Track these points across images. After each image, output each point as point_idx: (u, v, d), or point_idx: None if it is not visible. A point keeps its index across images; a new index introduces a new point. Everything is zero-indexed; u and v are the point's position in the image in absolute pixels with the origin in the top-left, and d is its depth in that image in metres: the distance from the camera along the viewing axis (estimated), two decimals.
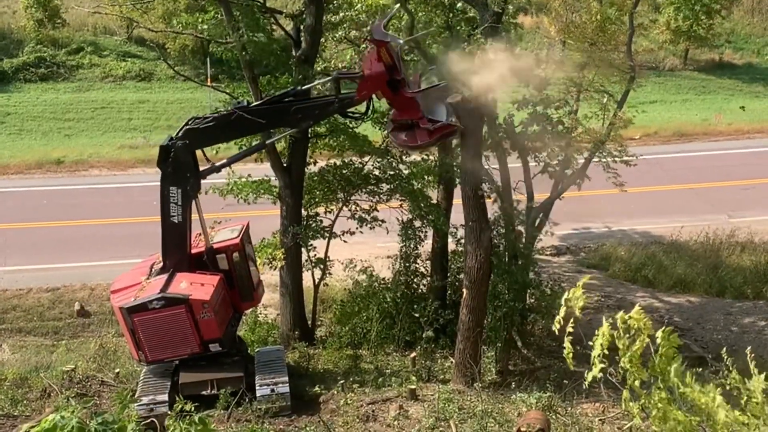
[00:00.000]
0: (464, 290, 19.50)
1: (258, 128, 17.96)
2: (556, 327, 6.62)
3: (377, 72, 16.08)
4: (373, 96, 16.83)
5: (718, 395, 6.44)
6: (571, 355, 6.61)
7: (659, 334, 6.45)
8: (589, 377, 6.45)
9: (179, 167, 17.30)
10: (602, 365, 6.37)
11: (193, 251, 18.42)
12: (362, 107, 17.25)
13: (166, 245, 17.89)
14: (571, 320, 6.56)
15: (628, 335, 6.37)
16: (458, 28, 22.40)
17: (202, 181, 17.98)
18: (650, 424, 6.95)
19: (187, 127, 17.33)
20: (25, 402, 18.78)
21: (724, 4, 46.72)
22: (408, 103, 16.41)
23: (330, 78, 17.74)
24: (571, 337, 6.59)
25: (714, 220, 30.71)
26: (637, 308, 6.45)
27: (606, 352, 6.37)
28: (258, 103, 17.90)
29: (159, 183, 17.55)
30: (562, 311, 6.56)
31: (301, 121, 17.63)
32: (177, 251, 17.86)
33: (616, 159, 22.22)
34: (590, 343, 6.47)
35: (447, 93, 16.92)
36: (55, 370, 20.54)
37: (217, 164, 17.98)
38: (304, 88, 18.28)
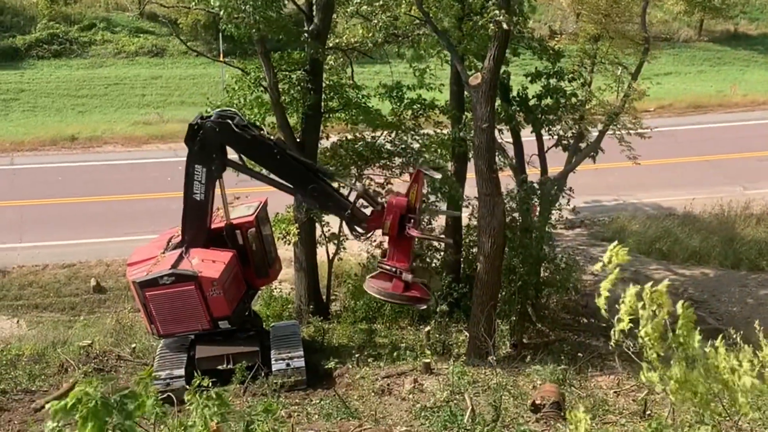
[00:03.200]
0: (478, 264, 19.52)
1: (273, 170, 18.00)
2: (598, 269, 6.63)
3: (399, 202, 17.43)
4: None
5: (746, 362, 6.47)
6: (605, 305, 6.59)
7: (678, 306, 6.46)
8: (616, 332, 6.46)
9: (206, 147, 17.34)
10: (630, 318, 6.38)
11: (212, 226, 18.52)
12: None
13: (187, 221, 17.98)
14: (610, 279, 6.56)
15: (649, 308, 6.39)
16: (470, 1, 22.27)
17: None
18: (664, 396, 6.98)
19: (227, 121, 17.28)
20: (42, 377, 18.97)
21: None
22: (403, 248, 17.66)
23: (357, 190, 18.16)
24: (608, 293, 6.58)
25: (729, 192, 30.58)
26: (666, 283, 6.46)
27: (630, 325, 6.39)
28: (294, 157, 17.95)
29: (185, 159, 17.59)
30: (608, 255, 6.57)
31: (309, 198, 18.00)
32: (196, 228, 17.96)
33: (631, 132, 22.11)
34: (617, 306, 6.49)
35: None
36: (72, 345, 20.71)
37: (249, 168, 18.19)
38: (335, 175, 18.65)
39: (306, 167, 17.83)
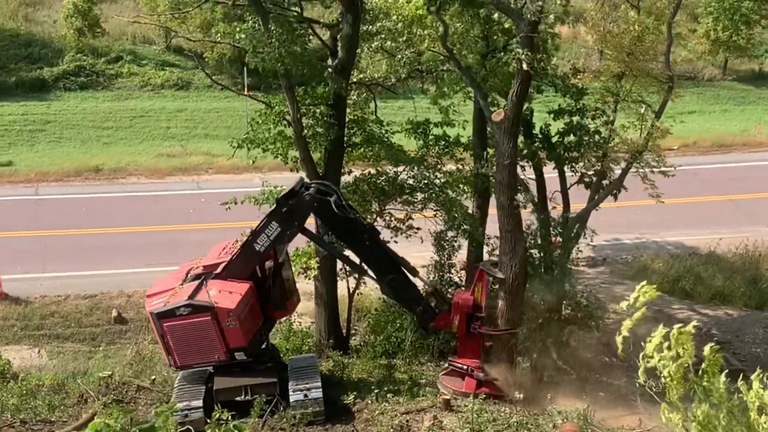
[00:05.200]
0: (499, 300, 19.43)
1: (357, 253, 18.86)
2: (623, 307, 6.64)
3: (465, 301, 18.44)
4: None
5: None
6: (622, 344, 6.58)
7: (706, 350, 6.42)
8: (642, 371, 6.42)
9: (294, 213, 17.74)
10: (659, 354, 6.35)
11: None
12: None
13: (235, 262, 18.05)
14: (635, 317, 6.55)
15: (675, 348, 6.36)
16: (495, 38, 22.36)
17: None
18: None
19: (328, 199, 17.66)
20: (62, 407, 18.95)
21: (764, 14, 46.22)
22: (472, 346, 18.72)
23: (428, 287, 19.19)
24: (627, 334, 6.56)
25: (754, 232, 30.34)
26: (693, 324, 6.44)
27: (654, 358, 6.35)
28: (382, 245, 18.69)
29: (266, 216, 17.92)
30: (635, 294, 6.56)
31: (387, 287, 18.80)
32: (239, 271, 18.05)
33: (654, 170, 22.02)
34: (642, 344, 6.47)
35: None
36: (92, 376, 20.73)
37: (323, 241, 19.43)
38: (415, 271, 18.88)
39: (390, 258, 18.48)
